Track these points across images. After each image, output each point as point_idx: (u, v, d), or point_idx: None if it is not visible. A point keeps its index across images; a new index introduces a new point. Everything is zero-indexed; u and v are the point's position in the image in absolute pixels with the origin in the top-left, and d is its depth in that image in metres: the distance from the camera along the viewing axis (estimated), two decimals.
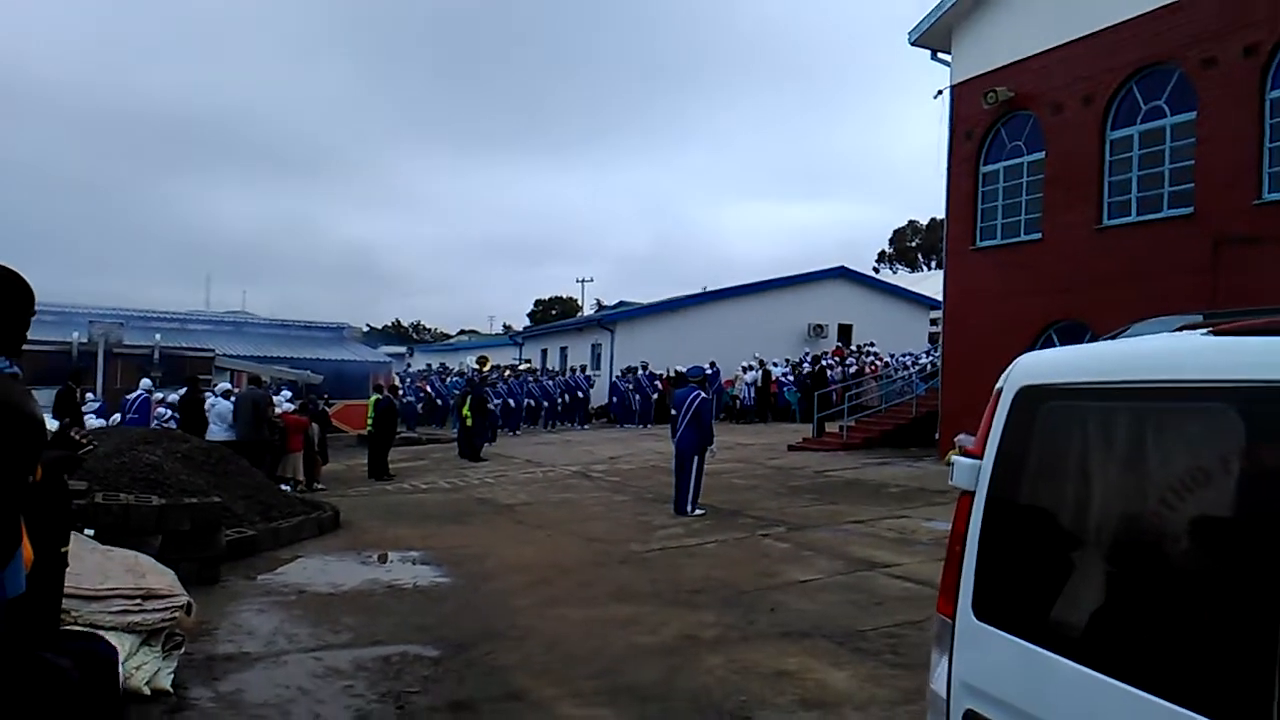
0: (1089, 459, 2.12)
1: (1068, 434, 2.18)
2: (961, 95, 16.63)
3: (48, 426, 3.21)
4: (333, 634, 6.81)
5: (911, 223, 66.97)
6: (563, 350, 35.91)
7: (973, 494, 2.37)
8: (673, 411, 12.64)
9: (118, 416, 17.02)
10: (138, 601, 5.40)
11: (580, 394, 29.01)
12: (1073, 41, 14.42)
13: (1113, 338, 2.30)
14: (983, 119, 16.07)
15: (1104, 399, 2.05)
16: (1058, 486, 2.19)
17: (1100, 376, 2.07)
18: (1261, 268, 11.27)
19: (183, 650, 5.69)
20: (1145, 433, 1.97)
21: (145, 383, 18.08)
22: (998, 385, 2.38)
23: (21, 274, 2.72)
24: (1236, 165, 12.02)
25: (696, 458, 11.98)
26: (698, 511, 11.79)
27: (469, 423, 20.16)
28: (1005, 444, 2.30)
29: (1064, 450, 2.18)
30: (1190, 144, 12.79)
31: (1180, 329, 2.17)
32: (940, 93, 17.29)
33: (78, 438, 3.41)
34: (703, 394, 12.37)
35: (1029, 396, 2.26)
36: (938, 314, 22.98)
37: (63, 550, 3.91)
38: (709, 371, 25.43)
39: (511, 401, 27.75)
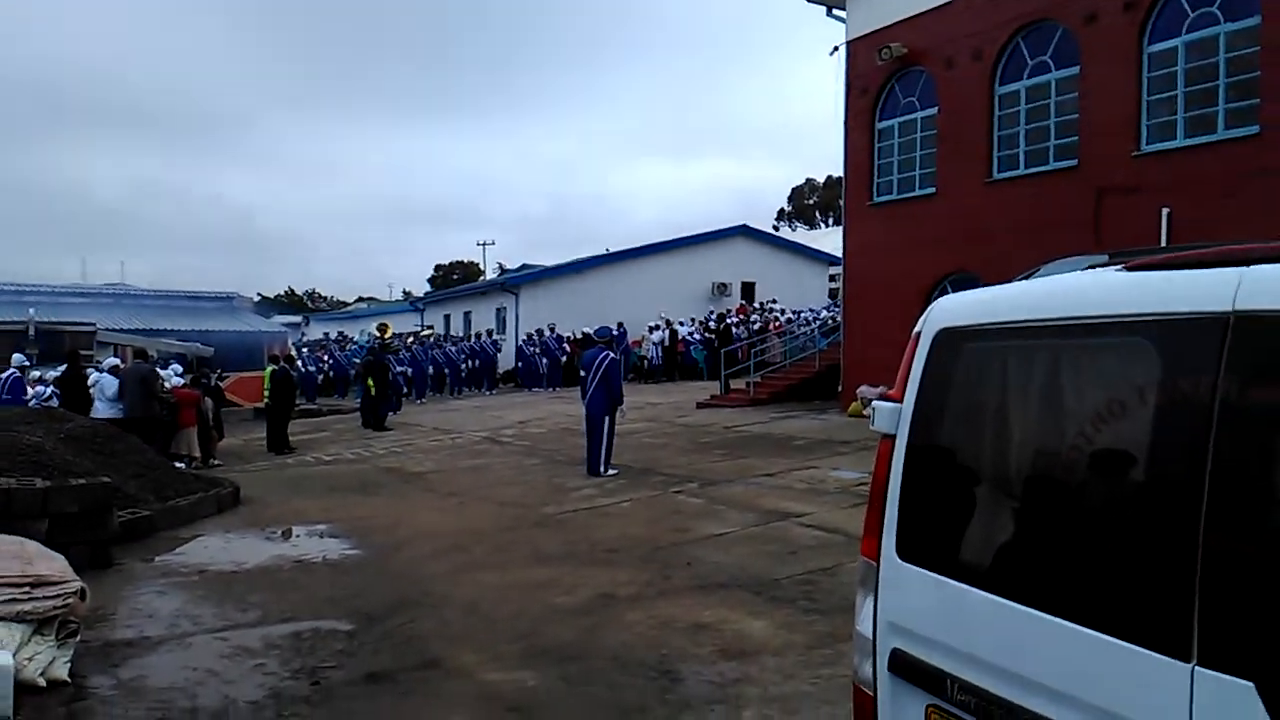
0: (1008, 397, 2.15)
1: (987, 374, 2.21)
2: (856, 51, 16.83)
3: None
4: (240, 613, 6.59)
5: (809, 180, 67.98)
6: (466, 315, 35.37)
7: (894, 438, 2.39)
8: (581, 373, 12.58)
9: None
10: (26, 589, 5.11)
11: (486, 359, 28.65)
12: None
13: (1025, 278, 2.34)
14: (877, 75, 16.32)
15: (1022, 338, 2.08)
16: (978, 426, 2.23)
17: (1018, 316, 2.10)
18: (1141, 218, 11.81)
19: (78, 638, 5.41)
20: (1062, 369, 2.01)
21: (18, 358, 17.01)
22: (916, 329, 2.40)
23: None
24: (1117, 118, 12.52)
25: (607, 418, 11.97)
26: (610, 471, 11.81)
27: (372, 392, 19.70)
28: (925, 387, 2.32)
29: (983, 390, 2.22)
30: (1074, 98, 13.26)
31: (1088, 268, 2.21)
32: (836, 49, 17.49)
33: None
34: (611, 355, 12.35)
35: (948, 338, 2.28)
36: (837, 270, 23.44)
37: None
38: (616, 332, 25.47)
39: (415, 369, 27.22)
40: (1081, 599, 1.82)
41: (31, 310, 22.99)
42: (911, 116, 16.00)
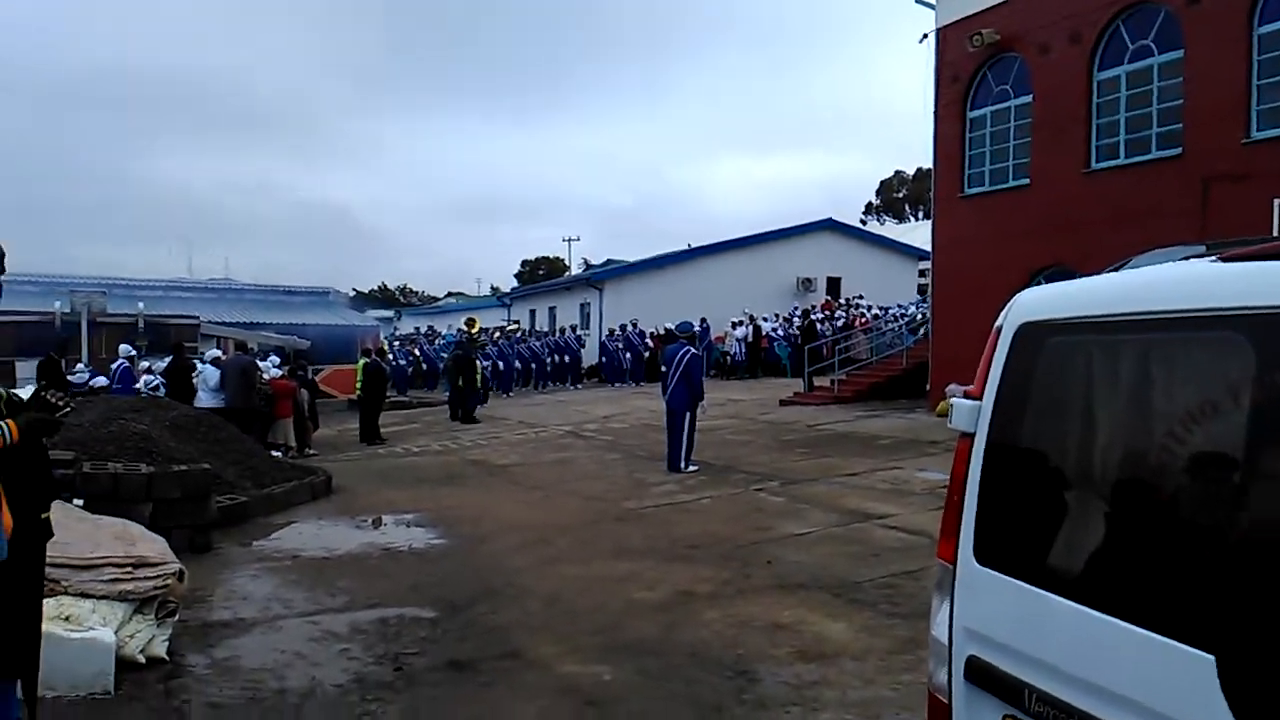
0: (1092, 395, 2.06)
1: (1070, 370, 2.12)
2: (947, 39, 16.39)
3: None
4: (328, 598, 6.79)
5: (898, 173, 66.60)
6: (551, 310, 35.76)
7: (973, 436, 2.31)
8: (663, 369, 12.57)
9: (102, 380, 16.89)
10: (129, 569, 5.35)
11: (571, 354, 28.91)
12: None
13: (1115, 270, 2.23)
14: (969, 63, 15.87)
15: (1108, 332, 1.99)
16: (1060, 424, 2.14)
17: (1104, 309, 2.00)
18: (1251, 207, 11.20)
19: (177, 618, 5.65)
20: (1151, 365, 1.91)
21: (125, 348, 17.89)
22: (997, 323, 2.31)
23: None
24: (1224, 104, 11.91)
25: (688, 414, 11.95)
26: (691, 468, 11.79)
27: (461, 386, 20.06)
28: (1005, 383, 2.24)
29: (1067, 387, 2.12)
30: (1178, 83, 12.66)
31: (1183, 260, 2.10)
32: (925, 37, 17.05)
33: (54, 400, 3.32)
34: (693, 350, 12.31)
35: (1030, 333, 2.20)
36: (926, 264, 22.90)
37: (44, 516, 3.84)
38: (698, 328, 25.44)
39: (502, 363, 27.65)
40: (1171, 611, 1.72)
41: (140, 304, 24.18)
42: (1005, 105, 15.51)
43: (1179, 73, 12.62)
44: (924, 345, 18.59)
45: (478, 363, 22.03)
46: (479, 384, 21.70)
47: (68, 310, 22.47)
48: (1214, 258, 1.89)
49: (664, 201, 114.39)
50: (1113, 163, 13.68)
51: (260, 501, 10.09)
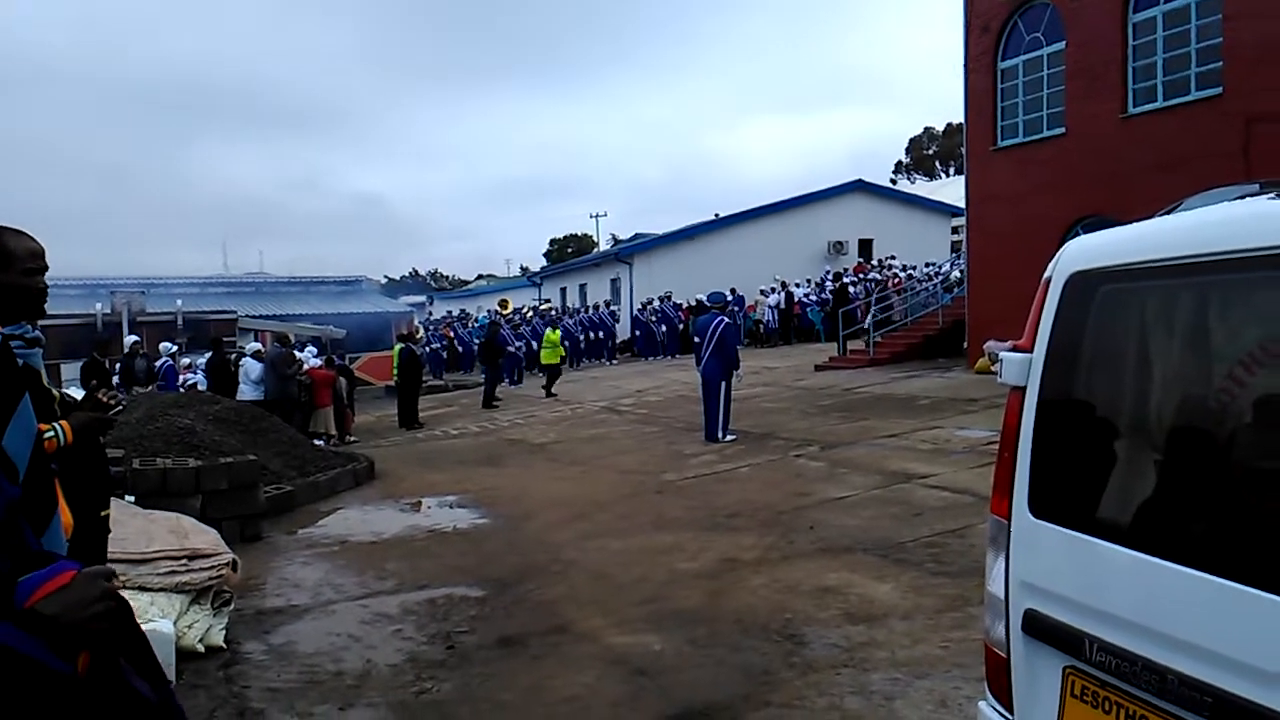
0: (1148, 342, 2.00)
1: (1125, 318, 2.05)
2: None
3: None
4: (378, 581, 6.88)
5: (928, 129, 65.63)
6: (581, 288, 35.77)
7: (1023, 390, 2.26)
8: (696, 340, 12.52)
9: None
10: (184, 562, 5.45)
11: (605, 330, 28.91)
12: None
13: (1167, 213, 2.16)
14: (999, 11, 15.52)
15: (1163, 277, 1.92)
16: (1115, 374, 2.08)
17: (1160, 254, 1.93)
18: None
19: (232, 606, 5.75)
20: (1210, 309, 1.85)
21: (166, 345, 18.19)
22: (1045, 274, 2.25)
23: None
24: (1266, 40, 11.52)
25: (724, 384, 11.90)
26: (729, 437, 11.76)
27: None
28: (1057, 334, 2.18)
29: (1121, 335, 2.06)
30: (1217, 21, 12.27)
31: (1238, 199, 2.02)
32: None
33: (105, 399, 3.37)
34: (725, 320, 12.24)
35: (1081, 282, 2.13)
36: (960, 221, 22.55)
37: (103, 514, 3.90)
38: (730, 297, 25.31)
39: (536, 343, 27.72)
40: (1230, 553, 1.68)
41: (179, 301, 24.52)
42: (1037, 53, 15.16)
43: (1218, 9, 12.23)
44: (960, 303, 18.35)
45: (504, 346, 21.96)
46: (511, 364, 21.76)
47: (108, 311, 22.85)
48: (1272, 194, 1.82)
49: (692, 171, 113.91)
50: (1151, 106, 13.33)
51: (305, 490, 10.23)
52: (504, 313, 28.34)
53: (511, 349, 24.32)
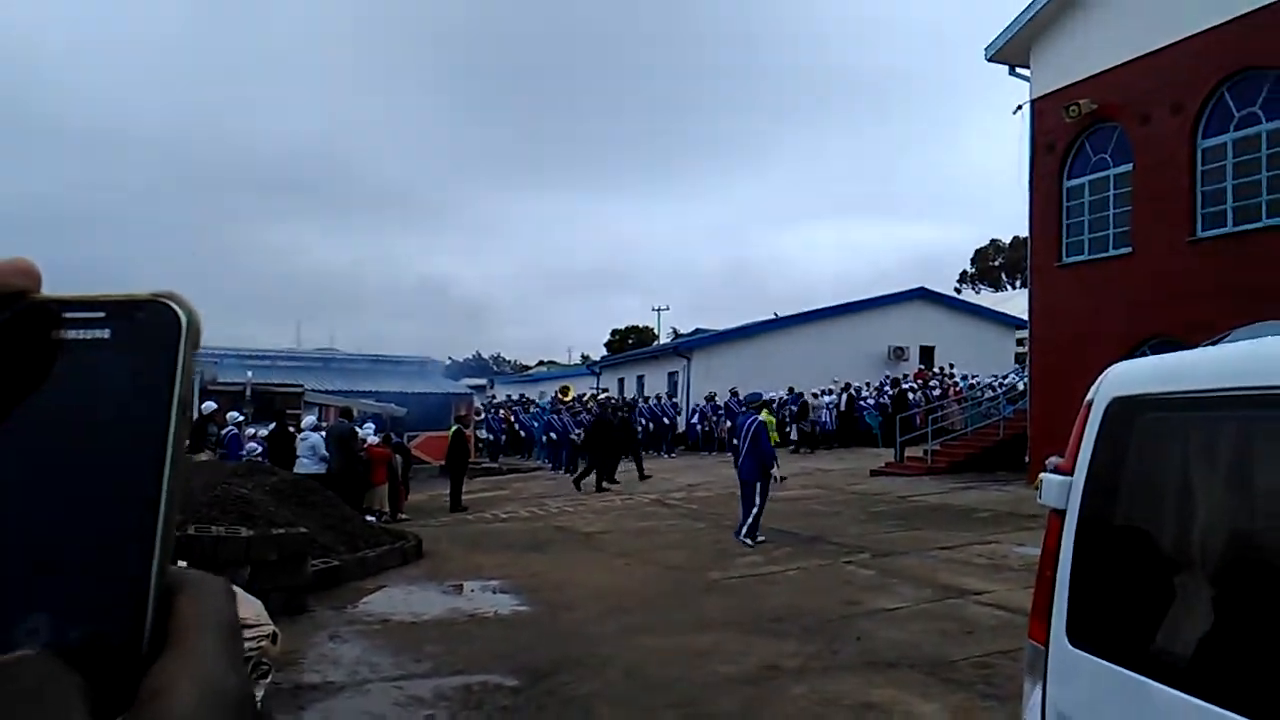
0: (1190, 473, 1.98)
1: (1166, 447, 2.05)
2: (1042, 109, 16.23)
3: None
4: (415, 663, 6.86)
5: (994, 241, 65.47)
6: (639, 379, 35.95)
7: (1064, 513, 2.24)
8: (733, 441, 12.47)
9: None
10: None
11: (666, 421, 28.98)
12: (1158, 50, 13.96)
13: (1213, 344, 2.16)
14: (1065, 132, 15.64)
15: (1207, 409, 1.92)
16: (1156, 503, 2.06)
17: (1202, 385, 1.93)
18: None
19: (269, 679, 5.77)
20: (1254, 443, 1.84)
21: (233, 415, 18.67)
22: (1088, 397, 2.25)
23: None
24: None
25: (758, 484, 11.77)
26: (760, 539, 11.53)
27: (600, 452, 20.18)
28: (1098, 459, 2.17)
29: (1162, 464, 2.05)
30: None
31: None
32: (1020, 108, 16.91)
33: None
34: (760, 419, 12.17)
35: (1123, 408, 2.13)
36: (1024, 334, 22.31)
37: None
38: (785, 395, 25.15)
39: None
40: (1271, 697, 1.62)
41: (249, 373, 25.24)
42: (1103, 174, 15.19)
43: None
44: (1022, 416, 18.03)
45: (612, 428, 21.05)
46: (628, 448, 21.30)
47: None
48: None
49: (756, 270, 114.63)
50: (1220, 230, 13.22)
51: (353, 565, 10.30)
52: (564, 400, 28.54)
53: (573, 435, 24.35)
